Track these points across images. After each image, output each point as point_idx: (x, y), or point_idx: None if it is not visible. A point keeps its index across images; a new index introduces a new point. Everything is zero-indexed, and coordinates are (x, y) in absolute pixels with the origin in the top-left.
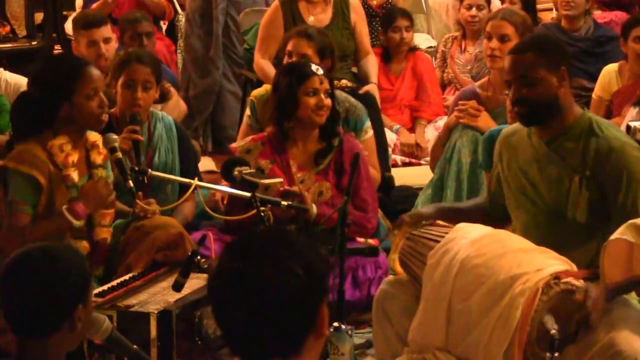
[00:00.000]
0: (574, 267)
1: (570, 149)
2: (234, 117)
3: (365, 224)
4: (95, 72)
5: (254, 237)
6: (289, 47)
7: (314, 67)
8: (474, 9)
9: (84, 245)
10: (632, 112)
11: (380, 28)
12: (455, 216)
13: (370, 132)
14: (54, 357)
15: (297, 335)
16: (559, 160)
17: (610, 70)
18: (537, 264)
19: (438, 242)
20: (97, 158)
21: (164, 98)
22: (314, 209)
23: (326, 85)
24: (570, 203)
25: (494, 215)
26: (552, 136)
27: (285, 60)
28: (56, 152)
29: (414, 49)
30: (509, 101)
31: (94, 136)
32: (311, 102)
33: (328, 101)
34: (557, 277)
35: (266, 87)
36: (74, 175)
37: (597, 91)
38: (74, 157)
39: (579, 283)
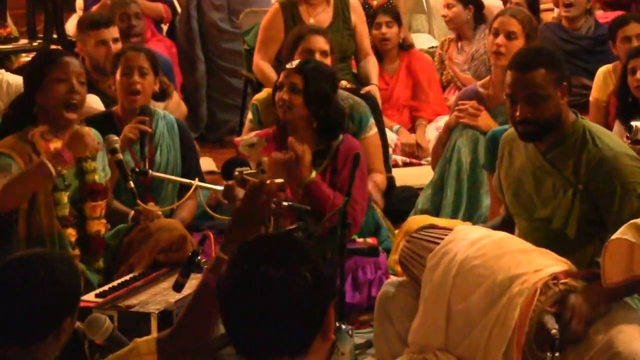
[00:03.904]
0: (573, 268)
1: (565, 160)
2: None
3: (349, 221)
4: (70, 61)
5: (263, 241)
6: (307, 45)
7: (293, 62)
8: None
9: (70, 233)
10: (617, 125)
11: None
12: None
13: (375, 129)
14: None
15: (305, 337)
16: (555, 171)
17: (604, 71)
18: (536, 264)
19: (437, 244)
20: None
21: (164, 94)
22: (313, 173)
23: (292, 79)
24: (566, 216)
25: (510, 226)
26: (548, 146)
27: (298, 57)
28: (37, 140)
29: (407, 47)
30: (512, 118)
31: (81, 129)
32: (276, 97)
33: (289, 96)
34: (555, 277)
35: (268, 91)
36: None
37: (594, 93)
38: (57, 144)
39: (578, 284)
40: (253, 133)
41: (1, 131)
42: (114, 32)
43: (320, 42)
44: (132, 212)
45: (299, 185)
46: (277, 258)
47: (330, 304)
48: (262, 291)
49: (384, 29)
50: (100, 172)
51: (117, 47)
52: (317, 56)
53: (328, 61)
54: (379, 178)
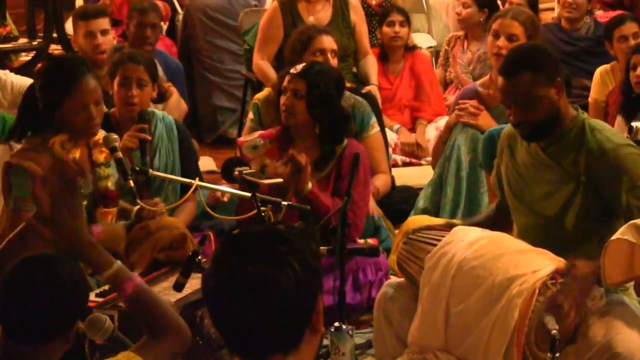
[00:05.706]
0: None
1: (566, 154)
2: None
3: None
4: (87, 84)
5: (249, 235)
6: (319, 45)
7: (297, 67)
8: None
9: None
10: (618, 120)
11: (378, 26)
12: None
13: (377, 128)
14: None
15: (295, 332)
16: (556, 166)
17: (602, 71)
18: (534, 265)
19: (435, 245)
20: (100, 156)
21: (162, 98)
22: (309, 185)
23: (295, 85)
24: (566, 210)
25: (504, 217)
26: (548, 141)
27: (309, 58)
28: (58, 150)
29: (412, 48)
30: (511, 121)
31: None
32: (280, 101)
33: (292, 101)
34: (554, 277)
35: (269, 90)
36: None
37: (593, 94)
38: (76, 154)
39: None
40: (257, 134)
41: (19, 129)
42: (102, 23)
43: (331, 42)
44: (135, 209)
45: (298, 195)
46: (263, 253)
47: (318, 297)
48: (250, 289)
49: (397, 28)
50: (113, 170)
51: (106, 39)
52: (329, 55)
53: (336, 61)
54: (382, 180)
